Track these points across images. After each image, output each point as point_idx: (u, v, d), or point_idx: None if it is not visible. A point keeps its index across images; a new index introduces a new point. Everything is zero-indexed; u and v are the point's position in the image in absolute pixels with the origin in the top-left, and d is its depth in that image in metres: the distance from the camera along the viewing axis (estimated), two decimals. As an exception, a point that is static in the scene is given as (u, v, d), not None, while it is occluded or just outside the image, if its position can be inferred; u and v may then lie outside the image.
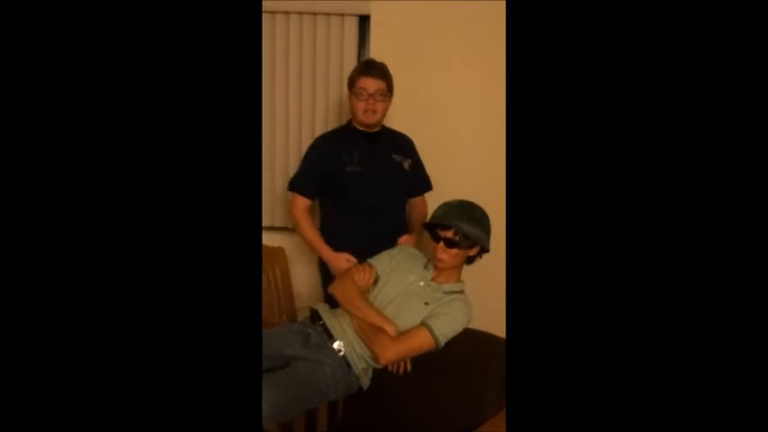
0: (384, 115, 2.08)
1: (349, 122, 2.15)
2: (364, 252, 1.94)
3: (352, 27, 2.58)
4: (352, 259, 2.00)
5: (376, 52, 2.47)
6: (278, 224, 2.75)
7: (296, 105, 2.67)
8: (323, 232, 2.16)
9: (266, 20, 2.58)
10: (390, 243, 2.00)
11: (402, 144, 2.20)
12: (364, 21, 2.59)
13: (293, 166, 2.69)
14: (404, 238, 2.10)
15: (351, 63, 2.59)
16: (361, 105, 2.02)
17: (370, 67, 2.03)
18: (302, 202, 2.11)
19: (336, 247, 2.08)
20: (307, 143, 2.65)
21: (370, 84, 2.00)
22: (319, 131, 2.62)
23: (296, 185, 2.13)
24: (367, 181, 2.05)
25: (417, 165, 2.22)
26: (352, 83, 2.04)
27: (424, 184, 2.26)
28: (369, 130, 2.09)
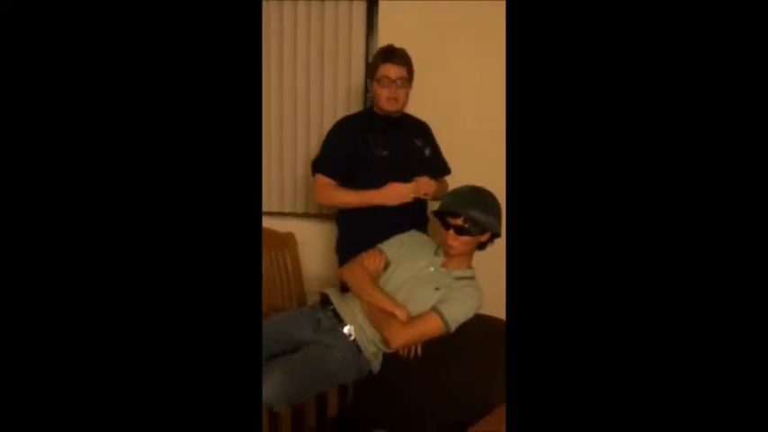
0: (406, 102, 2.08)
1: (370, 108, 2.15)
2: (385, 236, 1.93)
3: (360, 11, 2.57)
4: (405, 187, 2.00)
5: (384, 36, 2.46)
6: (288, 209, 2.77)
7: (304, 91, 2.67)
8: (342, 218, 2.16)
9: (274, 4, 2.57)
10: (411, 229, 1.99)
11: (422, 130, 2.21)
12: (372, 6, 2.57)
13: (302, 151, 2.70)
14: (418, 179, 2.06)
15: (359, 48, 2.58)
16: (384, 93, 2.02)
17: (391, 54, 2.03)
18: (327, 181, 2.09)
19: (357, 233, 2.07)
20: (315, 128, 2.66)
21: (393, 70, 2.00)
22: (328, 117, 2.62)
23: (320, 166, 2.11)
24: (392, 165, 2.05)
25: (436, 150, 2.24)
26: (373, 70, 2.04)
27: (443, 168, 2.27)
28: (391, 116, 2.09)
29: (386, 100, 2.03)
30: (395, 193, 2.02)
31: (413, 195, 2.03)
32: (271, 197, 2.77)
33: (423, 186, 2.05)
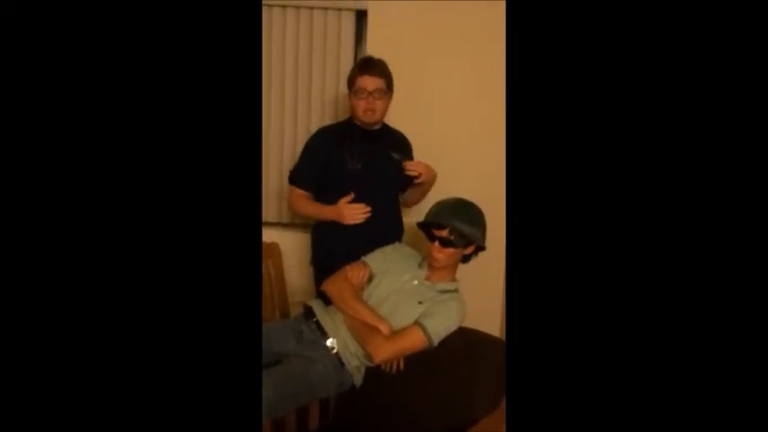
0: (384, 113, 2.07)
1: (349, 119, 2.13)
2: (361, 250, 1.92)
3: (349, 22, 2.57)
4: (349, 199, 1.99)
5: (373, 48, 2.46)
6: (272, 219, 2.74)
7: (291, 100, 2.66)
8: (318, 230, 2.15)
9: (263, 14, 2.56)
10: (386, 242, 1.99)
11: (400, 143, 2.19)
12: (361, 16, 2.57)
13: (288, 161, 2.68)
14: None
15: (347, 58, 2.57)
16: (361, 104, 2.00)
17: (368, 66, 2.02)
18: (300, 193, 2.11)
19: (333, 244, 2.06)
20: (302, 138, 2.65)
21: (369, 82, 1.99)
22: (315, 127, 2.61)
23: (295, 179, 2.12)
24: (367, 179, 2.03)
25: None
26: (351, 82, 2.03)
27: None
28: (369, 128, 2.08)
29: (363, 112, 2.01)
30: (346, 214, 2.00)
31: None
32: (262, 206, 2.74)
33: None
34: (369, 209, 2.00)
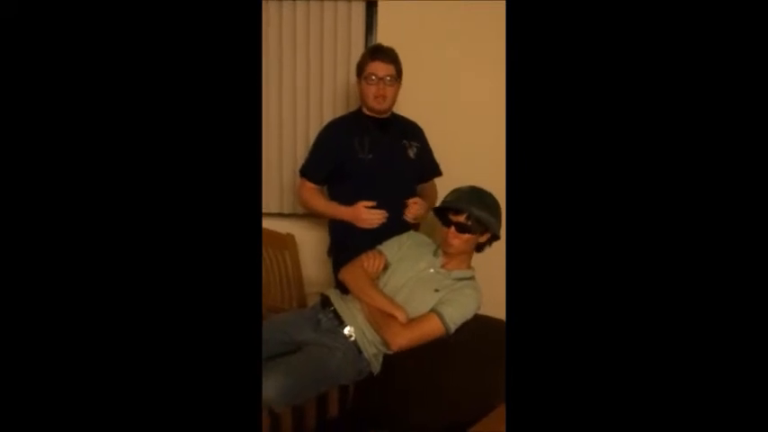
0: (394, 101, 2.07)
1: (359, 109, 2.14)
2: (375, 239, 1.94)
3: (359, 13, 2.57)
4: (369, 204, 2.02)
5: (383, 38, 2.46)
6: (287, 211, 2.76)
7: (303, 92, 2.67)
8: (335, 221, 2.16)
9: (273, 5, 2.57)
10: (402, 230, 2.00)
11: (411, 131, 2.19)
12: (372, 6, 2.57)
13: (301, 152, 2.70)
14: (413, 200, 2.08)
15: (358, 49, 2.58)
16: (371, 90, 2.01)
17: (379, 52, 2.03)
18: (310, 186, 2.12)
19: (347, 235, 2.07)
20: (314, 129, 2.66)
21: (380, 68, 1.99)
22: (327, 118, 2.62)
23: (306, 171, 2.13)
24: (378, 168, 2.04)
25: (425, 150, 2.22)
26: (361, 68, 2.04)
27: (433, 170, 2.26)
28: (379, 117, 2.08)
29: (373, 98, 2.02)
30: (364, 218, 2.03)
31: (410, 217, 2.07)
32: (271, 198, 2.76)
33: (412, 211, 2.07)
34: (386, 213, 2.02)
